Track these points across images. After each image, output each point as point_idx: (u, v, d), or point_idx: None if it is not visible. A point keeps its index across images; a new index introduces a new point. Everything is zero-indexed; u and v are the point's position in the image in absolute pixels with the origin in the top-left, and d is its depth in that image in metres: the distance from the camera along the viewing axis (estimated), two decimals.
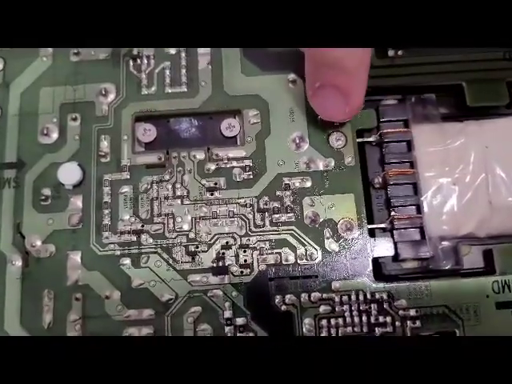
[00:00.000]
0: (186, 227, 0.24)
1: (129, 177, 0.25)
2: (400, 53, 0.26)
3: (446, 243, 0.24)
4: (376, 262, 0.24)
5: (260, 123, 0.25)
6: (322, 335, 0.22)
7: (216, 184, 0.25)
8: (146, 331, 0.23)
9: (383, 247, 0.24)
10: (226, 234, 0.24)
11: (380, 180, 0.25)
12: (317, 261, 0.24)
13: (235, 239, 0.24)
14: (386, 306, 0.23)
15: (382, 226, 0.24)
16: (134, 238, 0.24)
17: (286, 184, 0.25)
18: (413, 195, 0.24)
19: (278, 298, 0.23)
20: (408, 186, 0.24)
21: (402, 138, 0.25)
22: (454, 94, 0.26)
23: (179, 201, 0.24)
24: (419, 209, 0.24)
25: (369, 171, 0.25)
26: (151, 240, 0.24)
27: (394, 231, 0.24)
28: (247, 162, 0.25)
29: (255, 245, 0.24)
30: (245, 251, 0.24)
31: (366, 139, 0.25)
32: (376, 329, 0.23)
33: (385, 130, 0.25)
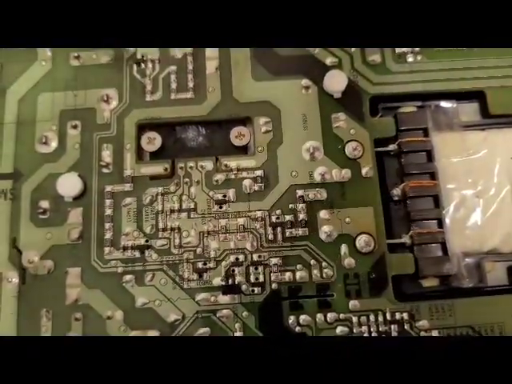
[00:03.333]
0: (193, 242, 0.24)
1: (132, 188, 0.25)
2: (419, 58, 0.26)
3: (469, 259, 0.24)
4: (396, 279, 0.24)
5: (272, 132, 0.25)
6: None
7: (225, 196, 0.24)
8: None
9: (403, 264, 0.24)
10: (236, 249, 0.24)
11: (399, 192, 0.25)
12: (333, 279, 0.24)
13: (246, 255, 0.24)
14: (406, 326, 0.23)
15: (402, 241, 0.24)
16: (138, 254, 0.24)
17: (299, 196, 0.25)
18: (434, 208, 0.24)
19: (291, 319, 0.23)
20: (429, 198, 0.24)
21: (422, 148, 0.25)
22: (476, 101, 0.26)
23: (186, 214, 0.24)
24: (441, 223, 0.24)
25: (387, 183, 0.25)
26: (156, 256, 0.24)
27: (415, 247, 0.24)
28: (258, 173, 0.25)
29: (267, 261, 0.24)
30: (256, 268, 0.24)
31: (384, 149, 0.25)
32: None
33: (404, 139, 0.25)
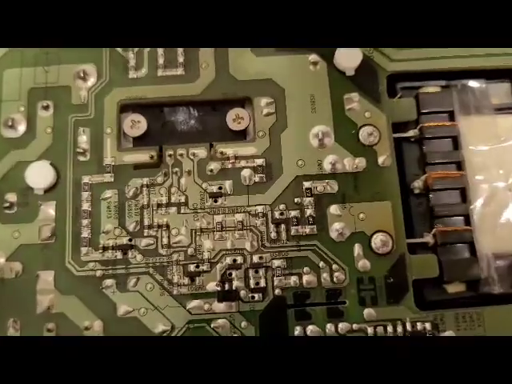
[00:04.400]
0: (183, 242, 0.23)
1: (113, 179, 0.24)
2: None
3: (500, 262, 0.23)
4: (417, 284, 0.23)
5: (274, 114, 0.24)
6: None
7: (221, 189, 0.23)
8: None
9: (425, 267, 0.23)
10: (234, 250, 0.23)
11: (421, 184, 0.24)
12: (345, 283, 0.22)
13: (245, 257, 0.23)
14: None
15: (424, 240, 0.23)
16: (120, 255, 0.23)
17: (306, 189, 0.23)
18: (460, 203, 0.23)
19: (298, 330, 0.22)
20: (455, 191, 0.23)
21: (447, 134, 0.24)
22: (508, 80, 0.25)
23: (175, 209, 0.23)
24: (468, 220, 0.23)
25: (407, 174, 0.24)
26: (141, 257, 0.23)
27: (439, 247, 0.23)
28: (259, 162, 0.24)
29: (269, 264, 0.23)
30: (256, 272, 0.22)
31: (403, 134, 0.24)
32: None
33: (426, 124, 0.24)
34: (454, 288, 0.23)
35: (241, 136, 0.24)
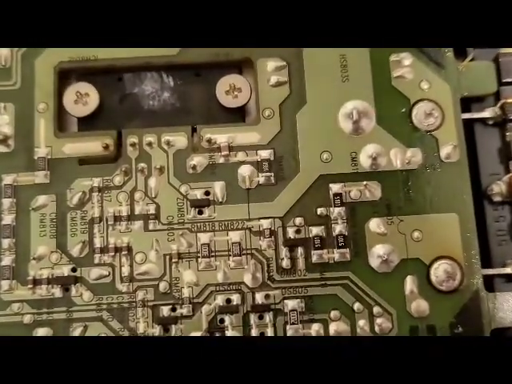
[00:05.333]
0: (153, 273, 0.20)
1: (48, 180, 0.20)
2: None
3: None
4: (498, 334, 0.20)
5: (287, 84, 0.21)
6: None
7: (208, 194, 0.20)
8: None
9: (509, 308, 0.19)
10: (228, 285, 0.19)
11: (503, 188, 0.20)
12: (392, 333, 0.19)
13: (244, 295, 0.19)
14: None
15: (508, 271, 0.20)
16: (59, 293, 0.19)
17: (335, 195, 0.20)
18: None
19: None
20: None
21: None
22: None
23: (141, 224, 0.20)
24: None
25: (482, 173, 0.21)
26: (89, 296, 0.19)
27: None
28: (265, 155, 0.20)
29: (280, 305, 0.19)
30: (261, 317, 0.19)
31: (477, 115, 0.21)
32: None
33: (510, 99, 0.20)
34: None
35: (238, 116, 0.21)
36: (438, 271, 0.19)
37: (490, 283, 0.20)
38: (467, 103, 0.21)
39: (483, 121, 0.21)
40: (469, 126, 0.21)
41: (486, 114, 0.21)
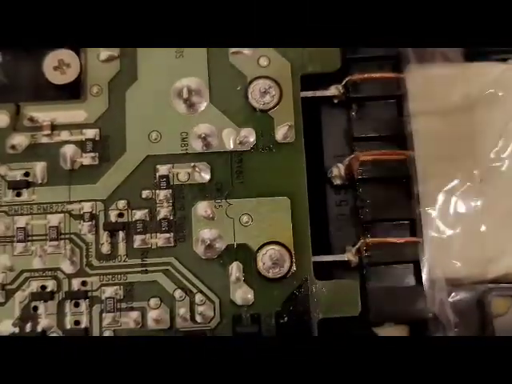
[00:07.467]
0: None
1: None
2: None
3: (461, 293, 0.19)
4: (326, 327, 0.18)
5: (118, 59, 0.19)
6: None
7: (28, 175, 0.19)
8: None
9: (341, 300, 0.18)
10: (44, 271, 0.18)
11: (342, 171, 0.19)
12: (213, 324, 0.18)
13: (60, 282, 0.18)
14: None
15: (343, 258, 0.19)
16: None
17: (162, 177, 0.19)
18: (405, 204, 0.19)
19: None
20: (395, 183, 0.19)
21: (388, 92, 0.20)
22: None
23: None
24: (414, 228, 0.19)
25: (325, 155, 0.20)
26: None
27: (365, 269, 0.19)
28: (90, 134, 0.19)
29: (97, 292, 0.18)
30: (77, 305, 0.18)
31: (319, 93, 0.20)
32: None
33: (356, 76, 0.19)
34: (388, 332, 0.19)
35: (72, 94, 0.19)
36: (265, 257, 0.18)
37: (325, 270, 0.19)
38: (309, 81, 0.20)
39: (327, 99, 0.20)
40: (310, 106, 0.20)
41: (330, 92, 0.19)
